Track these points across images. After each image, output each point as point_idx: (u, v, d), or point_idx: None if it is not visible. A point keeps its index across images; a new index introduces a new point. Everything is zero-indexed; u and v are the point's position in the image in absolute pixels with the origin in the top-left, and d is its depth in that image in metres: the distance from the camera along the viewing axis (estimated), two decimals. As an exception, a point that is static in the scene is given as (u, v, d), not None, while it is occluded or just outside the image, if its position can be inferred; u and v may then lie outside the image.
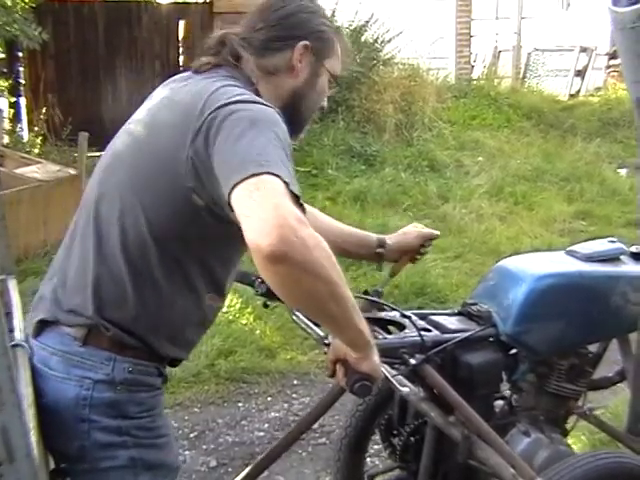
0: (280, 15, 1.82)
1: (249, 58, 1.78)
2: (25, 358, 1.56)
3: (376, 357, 1.61)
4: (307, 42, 1.79)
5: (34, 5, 8.07)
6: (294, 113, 1.79)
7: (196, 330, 1.78)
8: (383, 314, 2.10)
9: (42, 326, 1.65)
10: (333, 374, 1.67)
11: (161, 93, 1.78)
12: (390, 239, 2.28)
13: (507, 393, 2.28)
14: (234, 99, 1.57)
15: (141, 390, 1.64)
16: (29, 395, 1.38)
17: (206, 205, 1.58)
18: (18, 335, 1.59)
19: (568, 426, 2.41)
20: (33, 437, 1.12)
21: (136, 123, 1.75)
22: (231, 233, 1.51)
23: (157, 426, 1.69)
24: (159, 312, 1.64)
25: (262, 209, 1.35)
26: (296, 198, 1.42)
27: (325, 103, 1.92)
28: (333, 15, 9.19)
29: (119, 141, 1.77)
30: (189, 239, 1.64)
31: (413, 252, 2.31)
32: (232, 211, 1.42)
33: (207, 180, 1.54)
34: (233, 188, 1.40)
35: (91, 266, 1.64)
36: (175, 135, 1.59)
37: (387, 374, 1.67)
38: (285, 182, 1.41)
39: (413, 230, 2.32)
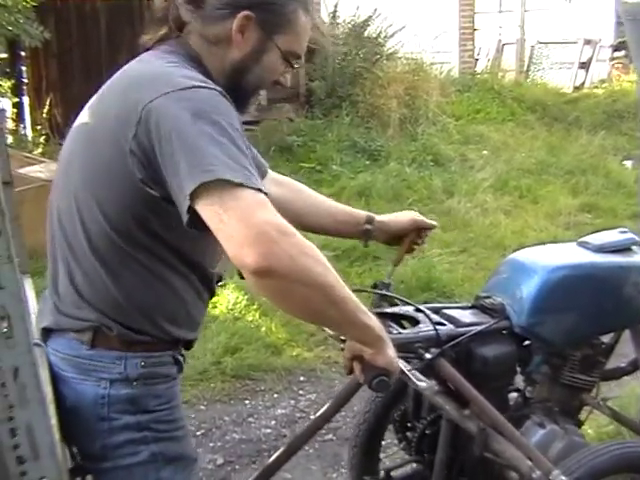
0: None
1: (194, 25, 1.65)
2: (44, 357, 1.56)
3: (391, 351, 1.58)
4: (249, 12, 1.62)
5: (36, 4, 8.06)
6: (235, 88, 1.64)
7: (195, 306, 1.70)
8: (396, 309, 2.09)
9: (48, 333, 1.63)
10: (351, 371, 1.65)
11: (110, 81, 1.70)
12: (380, 217, 2.19)
13: (521, 385, 2.27)
14: (171, 88, 1.47)
15: (158, 382, 1.61)
16: (49, 393, 1.38)
17: (161, 196, 1.50)
18: (36, 334, 1.59)
19: (582, 417, 2.39)
20: (56, 435, 1.11)
21: (84, 114, 1.68)
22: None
23: (175, 418, 1.66)
24: (147, 300, 1.59)
25: (237, 230, 1.32)
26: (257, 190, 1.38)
27: (283, 79, 1.76)
28: (335, 10, 9.20)
29: (71, 134, 1.70)
30: (153, 227, 1.56)
31: (406, 237, 2.20)
32: (191, 213, 1.38)
33: (156, 174, 1.46)
34: (193, 198, 1.36)
35: (71, 269, 1.60)
36: (116, 127, 1.51)
37: (403, 368, 1.66)
38: (240, 184, 1.36)
39: (407, 214, 2.22)
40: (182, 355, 1.72)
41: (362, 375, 1.60)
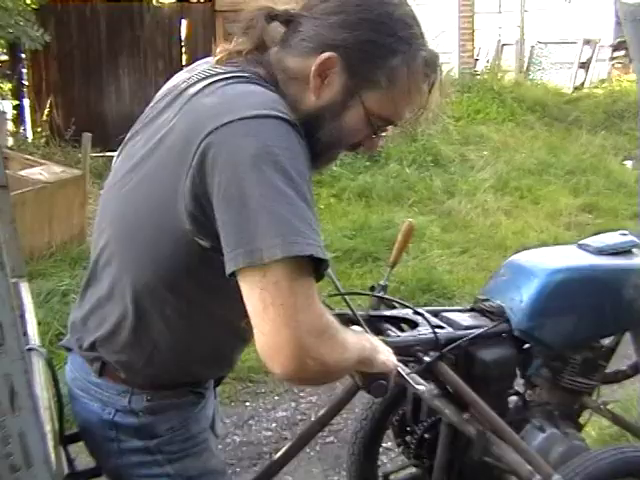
0: (327, 7, 1.35)
1: (277, 49, 1.39)
2: (40, 362, 1.54)
3: (383, 355, 1.54)
4: (333, 54, 1.31)
5: (36, 6, 8.07)
6: (309, 139, 1.31)
7: (230, 344, 1.57)
8: (395, 311, 2.08)
9: (67, 349, 1.59)
10: (352, 377, 1.66)
11: (174, 103, 1.39)
12: None
13: (521, 388, 2.26)
14: (236, 116, 1.22)
15: (167, 411, 1.52)
16: (45, 399, 1.36)
17: (212, 247, 1.28)
18: (32, 339, 1.57)
19: (582, 420, 2.39)
20: (50, 442, 1.10)
21: (139, 139, 1.45)
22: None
23: (191, 435, 1.55)
24: (172, 346, 1.46)
25: (276, 332, 1.18)
26: (321, 262, 1.21)
27: (370, 144, 1.45)
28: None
29: (122, 156, 1.49)
30: (200, 278, 1.38)
31: (399, 239, 2.19)
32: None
33: (207, 221, 1.26)
34: (241, 270, 1.19)
35: (103, 302, 1.46)
36: (173, 166, 1.29)
37: (402, 372, 1.65)
38: (314, 258, 1.19)
39: None
40: (206, 388, 1.62)
41: (360, 379, 1.60)
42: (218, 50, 1.43)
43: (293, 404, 3.90)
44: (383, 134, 1.45)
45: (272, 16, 1.40)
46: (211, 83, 1.33)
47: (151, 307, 1.41)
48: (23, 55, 9.22)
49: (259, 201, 1.17)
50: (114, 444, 1.50)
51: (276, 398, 3.97)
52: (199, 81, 1.37)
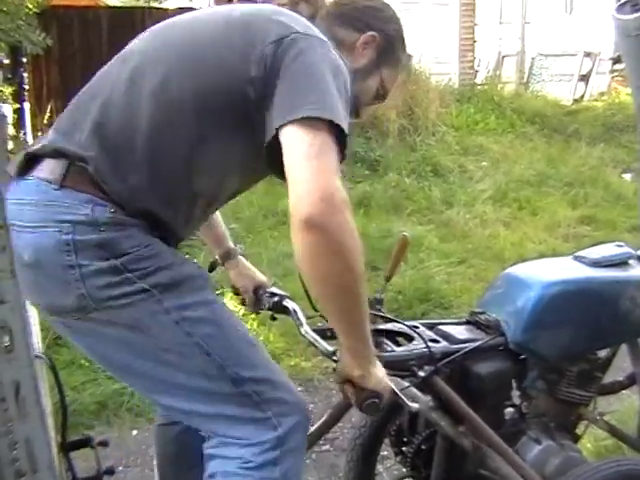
0: (367, 4, 1.88)
1: (325, 20, 1.83)
2: (44, 370, 1.55)
3: (380, 372, 1.60)
4: (376, 34, 1.83)
5: (38, 11, 8.09)
6: None
7: (183, 214, 1.68)
8: (390, 325, 2.08)
9: (22, 172, 1.60)
10: (344, 394, 1.66)
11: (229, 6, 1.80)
12: (238, 262, 2.28)
13: (517, 401, 2.26)
14: (320, 36, 1.62)
15: (131, 227, 1.55)
16: (49, 405, 1.38)
17: (256, 101, 1.57)
18: (36, 346, 1.58)
19: (579, 432, 2.40)
20: (54, 449, 1.12)
21: (206, 14, 1.84)
22: (256, 145, 1.55)
23: (159, 251, 1.58)
24: (164, 170, 1.59)
25: (314, 177, 1.39)
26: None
27: (364, 112, 1.93)
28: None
29: (175, 22, 1.78)
30: (225, 124, 1.61)
31: (395, 253, 2.23)
32: (272, 135, 1.48)
33: (267, 83, 1.54)
34: (294, 122, 1.44)
35: (109, 104, 1.61)
36: (254, 29, 1.61)
37: (395, 389, 1.66)
38: (346, 142, 1.48)
39: (254, 276, 2.28)
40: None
41: (353, 397, 1.61)
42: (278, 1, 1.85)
43: (290, 412, 3.90)
44: (381, 101, 1.93)
45: None
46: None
47: (170, 118, 1.58)
48: (24, 59, 9.23)
49: (327, 88, 1.50)
50: (74, 271, 1.49)
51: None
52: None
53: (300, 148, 1.43)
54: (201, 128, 1.60)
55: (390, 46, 1.87)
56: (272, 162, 1.53)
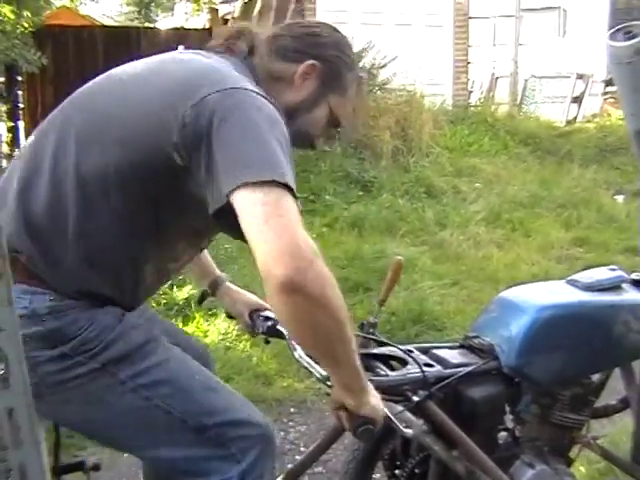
0: (304, 31, 1.82)
1: (262, 56, 1.76)
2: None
3: (374, 399, 1.61)
4: (315, 62, 1.75)
5: (34, 30, 8.13)
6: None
7: (130, 281, 1.67)
8: (384, 349, 2.08)
9: None
10: (338, 420, 1.67)
11: (163, 57, 1.74)
12: (228, 289, 2.26)
13: (510, 425, 2.26)
14: (246, 86, 1.55)
15: (71, 310, 1.56)
16: (42, 432, 1.37)
17: (185, 168, 1.52)
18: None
19: (572, 455, 2.39)
20: (48, 474, 1.11)
21: (127, 74, 1.71)
22: (199, 205, 1.50)
23: (105, 326, 1.59)
24: (96, 246, 1.57)
25: (279, 237, 1.35)
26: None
27: (319, 142, 1.86)
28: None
29: (102, 81, 1.75)
30: (154, 193, 1.57)
31: (389, 276, 2.21)
32: (222, 203, 1.42)
33: (196, 150, 1.49)
34: (242, 186, 1.39)
35: (32, 182, 1.58)
36: (176, 90, 1.54)
37: (389, 415, 1.66)
38: (296, 197, 1.43)
39: (250, 300, 2.26)
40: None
41: (347, 424, 1.62)
42: (214, 41, 1.80)
43: (282, 433, 3.89)
44: (335, 131, 1.88)
45: (258, 32, 1.82)
46: (218, 61, 1.67)
47: (96, 196, 1.55)
48: (19, 77, 9.27)
49: (267, 144, 1.44)
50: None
51: (265, 427, 3.96)
52: (204, 55, 1.72)
53: (255, 212, 1.38)
54: (129, 201, 1.57)
55: (332, 72, 1.79)
56: (223, 226, 1.52)
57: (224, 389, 1.74)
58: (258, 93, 1.56)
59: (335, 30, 1.87)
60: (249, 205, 1.39)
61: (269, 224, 1.36)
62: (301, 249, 1.34)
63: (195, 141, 1.49)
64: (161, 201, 1.59)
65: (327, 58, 1.77)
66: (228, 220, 1.44)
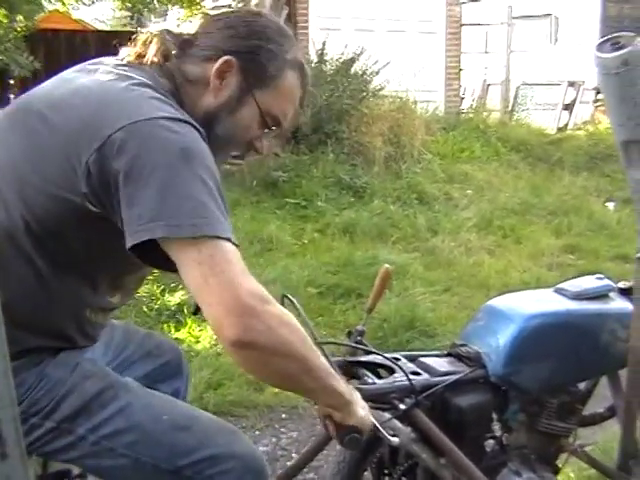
0: (218, 25, 1.64)
1: (177, 60, 1.61)
2: None
3: (361, 409, 1.60)
4: (231, 58, 1.58)
5: (26, 34, 8.12)
6: (208, 135, 1.53)
7: (72, 320, 1.60)
8: (372, 357, 2.08)
9: None
10: (326, 428, 1.67)
11: (70, 82, 1.59)
12: None
13: (498, 433, 2.27)
14: (156, 114, 1.41)
15: (17, 371, 1.44)
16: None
17: (101, 213, 1.43)
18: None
19: (559, 463, 2.40)
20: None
21: (37, 104, 1.58)
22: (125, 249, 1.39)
23: (56, 381, 1.53)
24: (16, 297, 1.46)
25: (221, 298, 1.30)
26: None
27: (259, 145, 1.69)
28: (323, 47, 9.29)
29: (10, 116, 1.62)
30: (71, 242, 1.50)
31: (377, 284, 2.19)
32: (152, 251, 1.34)
33: (107, 197, 1.40)
34: (174, 241, 1.32)
35: None
36: (77, 134, 1.43)
37: (376, 423, 1.67)
38: (233, 243, 1.36)
39: None
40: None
41: (334, 433, 1.63)
42: (125, 52, 1.66)
43: (274, 439, 3.89)
44: (270, 131, 1.67)
45: (170, 33, 1.65)
46: (127, 78, 1.53)
47: (13, 259, 1.47)
48: (11, 81, 9.26)
49: (184, 187, 1.34)
50: None
51: (257, 433, 3.96)
52: (111, 72, 1.57)
53: (192, 273, 1.32)
54: (45, 255, 1.49)
55: (255, 64, 1.60)
56: (146, 261, 1.43)
57: (199, 422, 1.64)
58: (170, 118, 1.41)
59: (257, 15, 1.68)
60: (185, 265, 1.33)
61: (209, 285, 1.31)
62: (246, 305, 1.30)
63: (104, 189, 1.40)
64: (81, 248, 1.52)
65: (244, 50, 1.59)
66: (151, 258, 1.39)
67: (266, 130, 1.67)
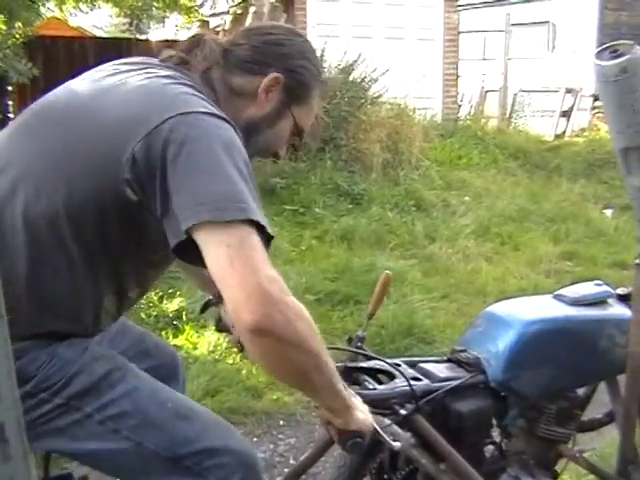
0: (265, 40, 1.71)
1: (220, 69, 1.67)
2: None
3: (362, 413, 1.61)
4: (280, 75, 1.67)
5: (25, 40, 8.12)
6: (247, 143, 1.61)
7: (93, 311, 1.63)
8: (372, 363, 2.09)
9: None
10: (328, 433, 1.68)
11: (113, 76, 1.62)
12: None
13: (497, 438, 2.28)
14: (197, 109, 1.47)
15: (30, 350, 1.52)
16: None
17: (140, 202, 1.47)
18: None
19: (558, 469, 2.41)
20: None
21: (75, 97, 1.62)
22: (158, 237, 1.45)
23: (67, 361, 1.55)
24: (46, 289, 1.52)
25: (244, 281, 1.33)
26: (269, 239, 1.42)
27: (281, 152, 1.79)
28: (322, 54, 9.32)
29: (49, 108, 1.65)
30: (109, 232, 1.53)
31: (378, 290, 2.19)
32: (181, 239, 1.38)
33: (149, 181, 1.44)
34: (205, 225, 1.36)
35: None
36: (123, 123, 1.47)
37: (378, 428, 1.67)
38: (262, 232, 1.39)
39: None
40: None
41: (336, 438, 1.63)
42: (169, 52, 1.70)
43: (272, 446, 3.89)
44: (300, 141, 1.80)
45: (215, 41, 1.71)
46: (171, 77, 1.59)
47: (48, 241, 1.50)
48: (10, 88, 9.26)
49: (226, 175, 1.39)
50: None
51: (255, 440, 3.96)
52: (155, 70, 1.62)
53: (219, 254, 1.35)
54: (83, 244, 1.52)
55: (298, 83, 1.70)
56: (184, 259, 1.48)
57: (199, 414, 1.68)
58: (212, 114, 1.48)
59: (298, 35, 1.78)
60: (213, 246, 1.36)
61: (234, 267, 1.33)
62: (267, 292, 1.32)
63: (148, 176, 1.44)
64: (116, 238, 1.55)
65: (292, 69, 1.69)
66: (189, 254, 1.42)
67: (291, 140, 1.78)
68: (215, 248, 1.36)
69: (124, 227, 1.54)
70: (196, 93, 1.55)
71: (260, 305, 1.31)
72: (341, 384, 1.54)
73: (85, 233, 1.52)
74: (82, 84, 1.65)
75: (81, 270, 1.54)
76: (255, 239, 1.38)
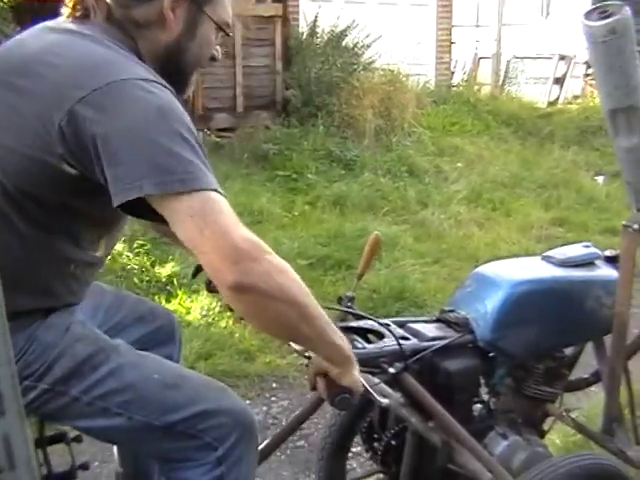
0: None
1: (118, 9, 1.57)
2: None
3: (356, 371, 1.62)
4: None
5: (12, 4, 8.02)
6: (174, 72, 1.60)
7: (55, 278, 1.61)
8: (362, 322, 2.10)
9: None
10: (314, 387, 1.67)
11: (34, 41, 1.59)
12: None
13: (485, 397, 2.30)
14: (129, 76, 1.42)
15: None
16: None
17: (81, 174, 1.44)
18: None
19: (545, 427, 2.44)
20: (31, 445, 1.12)
21: (6, 68, 1.56)
22: (108, 197, 1.39)
23: (47, 345, 1.55)
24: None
25: (217, 245, 1.33)
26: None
27: (216, 53, 1.71)
28: (315, 20, 9.25)
29: None
30: (53, 199, 1.50)
31: (367, 251, 2.19)
32: (141, 207, 1.37)
33: (86, 157, 1.40)
34: (163, 197, 1.34)
35: None
36: (48, 95, 1.43)
37: (366, 385, 1.68)
38: (218, 194, 1.37)
39: None
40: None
41: (325, 392, 1.63)
42: (67, 12, 1.62)
43: (265, 408, 3.92)
44: (229, 35, 1.71)
45: None
46: (84, 36, 1.53)
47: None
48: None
49: (167, 144, 1.36)
50: None
51: (248, 402, 3.98)
52: (68, 32, 1.56)
53: (186, 226, 1.35)
54: (25, 214, 1.49)
55: None
56: (134, 215, 1.47)
57: (189, 380, 1.69)
58: (143, 79, 1.43)
59: None
60: (177, 221, 1.36)
61: (204, 235, 1.33)
62: (242, 251, 1.33)
63: (81, 151, 1.41)
64: (64, 205, 1.52)
65: None
66: (137, 209, 1.41)
67: (225, 35, 1.70)
68: (180, 222, 1.36)
69: (66, 197, 1.51)
70: (122, 52, 1.51)
71: (236, 264, 1.32)
72: (336, 334, 1.54)
73: (26, 206, 1.49)
74: (4, 56, 1.61)
75: (33, 242, 1.52)
76: (216, 203, 1.37)
